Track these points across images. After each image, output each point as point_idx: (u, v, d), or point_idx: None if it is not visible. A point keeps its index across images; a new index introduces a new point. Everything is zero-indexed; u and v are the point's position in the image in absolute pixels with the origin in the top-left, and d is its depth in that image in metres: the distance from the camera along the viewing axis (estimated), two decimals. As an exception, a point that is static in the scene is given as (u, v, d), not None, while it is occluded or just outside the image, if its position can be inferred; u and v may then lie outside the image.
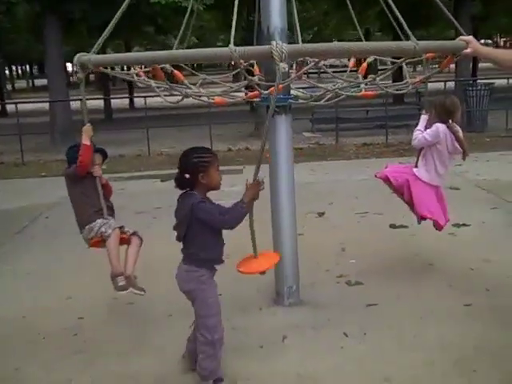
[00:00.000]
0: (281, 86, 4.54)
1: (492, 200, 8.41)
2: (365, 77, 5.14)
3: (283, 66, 3.42)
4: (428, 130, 5.27)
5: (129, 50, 28.18)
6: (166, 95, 4.94)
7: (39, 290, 5.75)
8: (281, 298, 5.15)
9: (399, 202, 5.67)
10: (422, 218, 5.48)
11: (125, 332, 4.79)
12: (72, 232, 7.15)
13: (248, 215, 3.86)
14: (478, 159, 11.66)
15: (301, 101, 5.29)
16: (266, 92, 4.70)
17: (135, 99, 28.82)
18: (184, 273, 3.81)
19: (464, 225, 7.14)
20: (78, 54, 4.21)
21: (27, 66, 73.05)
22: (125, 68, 6.97)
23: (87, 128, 4.54)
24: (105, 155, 4.93)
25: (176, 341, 4.49)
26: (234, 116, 18.96)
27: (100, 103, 25.00)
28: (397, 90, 5.61)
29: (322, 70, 4.89)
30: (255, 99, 5.38)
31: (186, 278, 3.80)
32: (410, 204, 5.48)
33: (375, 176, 5.63)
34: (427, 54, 4.52)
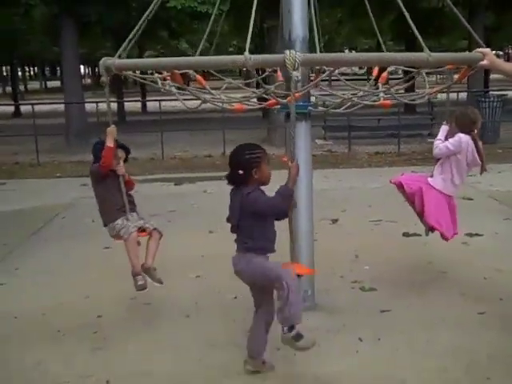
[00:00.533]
0: (297, 94, 4.66)
1: (505, 211, 8.47)
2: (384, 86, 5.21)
3: (296, 74, 3.50)
4: (450, 140, 5.29)
5: (142, 54, 28.39)
6: (184, 99, 5.05)
7: (58, 289, 5.85)
8: (296, 302, 5.21)
9: (412, 210, 5.73)
10: (430, 229, 5.49)
11: (143, 331, 4.87)
12: (88, 232, 7.33)
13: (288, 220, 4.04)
14: (491, 170, 11.65)
15: (320, 108, 5.37)
16: (284, 101, 4.79)
17: (147, 103, 29.03)
18: (245, 265, 3.91)
19: (477, 234, 7.20)
20: (103, 58, 4.32)
21: (38, 68, 73.47)
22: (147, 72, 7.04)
23: (111, 129, 4.67)
24: (127, 151, 5.06)
25: (193, 341, 4.62)
26: (246, 121, 19.05)
27: (113, 106, 25.13)
28: (412, 100, 5.69)
29: (334, 78, 4.96)
30: (274, 107, 5.46)
31: (243, 262, 3.92)
32: (421, 213, 5.47)
33: (390, 181, 5.67)
34: (448, 66, 4.58)
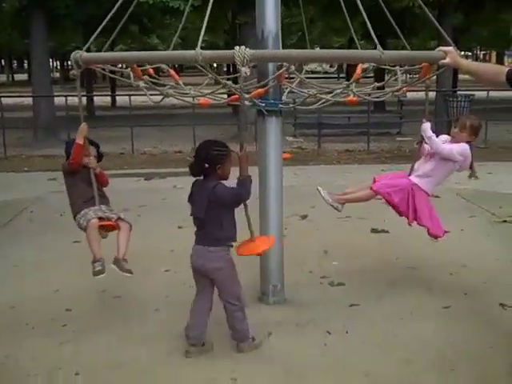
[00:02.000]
0: (261, 90, 4.70)
1: (471, 209, 8.62)
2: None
3: (245, 70, 3.58)
4: (458, 147, 5.15)
5: (112, 49, 28.19)
6: (153, 94, 5.11)
7: (27, 282, 5.81)
8: (265, 297, 5.28)
9: (381, 207, 5.79)
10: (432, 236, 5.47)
11: (112, 324, 4.87)
12: (57, 225, 7.29)
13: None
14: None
15: (290, 105, 5.42)
16: (247, 96, 4.83)
17: (117, 98, 28.85)
18: (208, 253, 4.11)
19: (444, 231, 7.30)
20: (74, 52, 4.32)
21: (5, 60, 72.42)
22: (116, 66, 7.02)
23: (83, 127, 4.68)
24: (97, 146, 5.07)
25: (164, 332, 4.65)
26: (216, 118, 19.05)
27: (83, 100, 24.87)
28: (377, 98, 5.74)
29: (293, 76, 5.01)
30: (236, 102, 5.48)
31: (211, 258, 4.12)
32: (413, 218, 5.33)
33: (371, 189, 5.41)
34: (422, 64, 4.62)
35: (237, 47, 3.63)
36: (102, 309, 5.26)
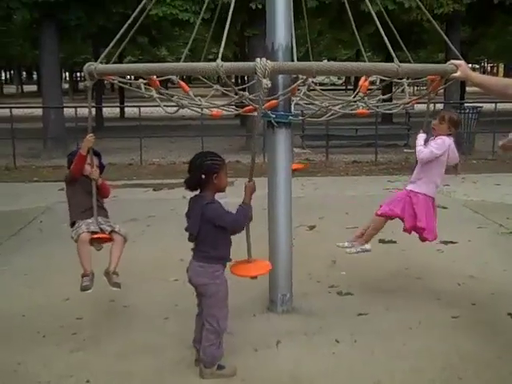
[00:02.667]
0: (273, 101, 4.75)
1: (478, 220, 8.64)
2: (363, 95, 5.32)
3: (266, 82, 3.62)
4: (434, 144, 5.31)
5: (121, 61, 28.37)
6: (164, 105, 5.17)
7: (37, 291, 5.86)
8: (274, 306, 5.31)
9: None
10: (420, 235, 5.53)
11: (122, 333, 4.91)
12: (66, 235, 7.27)
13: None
14: (466, 180, 11.94)
15: (300, 118, 5.47)
16: (263, 107, 4.88)
17: (125, 109, 29.00)
18: (198, 268, 4.07)
19: (451, 242, 7.35)
20: (87, 64, 4.38)
21: (15, 72, 72.82)
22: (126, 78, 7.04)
23: (88, 139, 4.74)
24: (99, 157, 5.13)
25: (173, 341, 4.67)
26: (225, 129, 19.14)
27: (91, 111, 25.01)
28: (388, 110, 5.79)
29: (311, 88, 5.06)
30: (250, 113, 5.55)
31: (199, 272, 4.06)
32: (413, 224, 5.43)
33: (376, 215, 5.60)
34: (428, 77, 4.68)
35: (258, 59, 3.67)
36: (112, 318, 5.30)
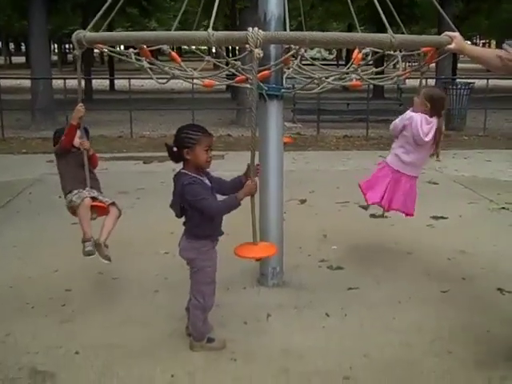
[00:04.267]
0: (266, 72, 4.68)
1: (469, 195, 8.64)
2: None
3: (258, 51, 3.55)
4: (399, 118, 5.39)
5: (110, 31, 28.06)
6: (157, 77, 5.09)
7: (26, 262, 5.82)
8: (264, 279, 5.30)
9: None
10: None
11: (111, 305, 4.89)
12: (55, 208, 7.27)
13: (250, 200, 3.95)
14: (457, 156, 11.97)
15: (292, 90, 5.41)
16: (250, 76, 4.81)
17: (115, 82, 28.77)
18: (186, 242, 4.02)
19: (442, 217, 7.35)
20: (76, 32, 4.30)
21: (2, 43, 71.91)
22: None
23: (78, 109, 4.69)
24: (86, 131, 5.06)
25: (163, 314, 4.66)
26: (216, 102, 19.03)
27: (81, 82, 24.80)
28: (381, 82, 5.73)
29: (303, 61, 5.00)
30: (241, 84, 5.47)
31: (187, 247, 4.02)
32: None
33: (359, 186, 5.77)
34: (423, 48, 4.62)
35: (250, 28, 3.60)
36: (101, 290, 5.27)
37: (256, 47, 3.48)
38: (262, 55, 3.52)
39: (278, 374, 3.86)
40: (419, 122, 5.21)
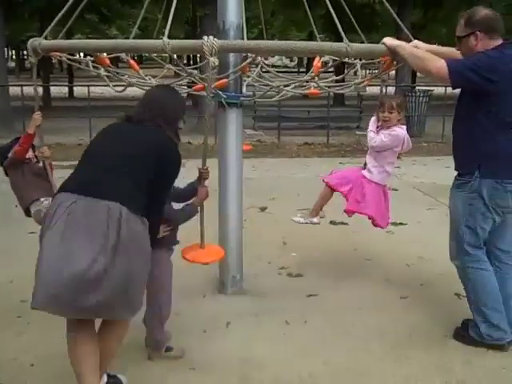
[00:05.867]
0: (223, 80, 4.68)
1: (428, 201, 8.75)
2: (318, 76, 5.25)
3: (213, 60, 3.56)
4: (388, 136, 5.11)
5: (69, 38, 27.77)
6: (114, 85, 5.06)
7: (-20, 273, 5.69)
8: (224, 287, 5.27)
9: (340, 200, 5.79)
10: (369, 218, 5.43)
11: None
12: (12, 217, 7.14)
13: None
14: (416, 163, 12.12)
15: (251, 98, 5.41)
16: (213, 86, 4.81)
17: (74, 89, 28.46)
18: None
19: (401, 224, 7.42)
20: (31, 39, 4.25)
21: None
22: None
23: (35, 117, 4.63)
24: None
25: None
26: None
27: (39, 90, 24.50)
28: (339, 90, 5.76)
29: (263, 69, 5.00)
30: (200, 92, 5.46)
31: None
32: (356, 207, 5.35)
33: (322, 180, 5.55)
34: (381, 58, 4.64)
35: (205, 37, 3.60)
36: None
37: (211, 56, 3.48)
38: (217, 64, 3.52)
39: (237, 383, 3.83)
40: (407, 135, 5.24)
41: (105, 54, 4.94)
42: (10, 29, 25.04)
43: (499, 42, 4.02)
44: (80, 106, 20.04)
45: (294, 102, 18.98)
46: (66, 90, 29.41)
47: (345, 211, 5.47)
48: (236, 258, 5.23)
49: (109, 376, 3.68)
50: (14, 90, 17.54)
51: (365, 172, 5.36)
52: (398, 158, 5.54)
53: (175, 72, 6.42)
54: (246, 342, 4.36)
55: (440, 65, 3.89)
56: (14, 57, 58.38)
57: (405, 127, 5.29)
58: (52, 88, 25.70)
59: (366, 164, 5.41)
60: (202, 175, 3.99)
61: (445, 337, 4.45)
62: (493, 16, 4.06)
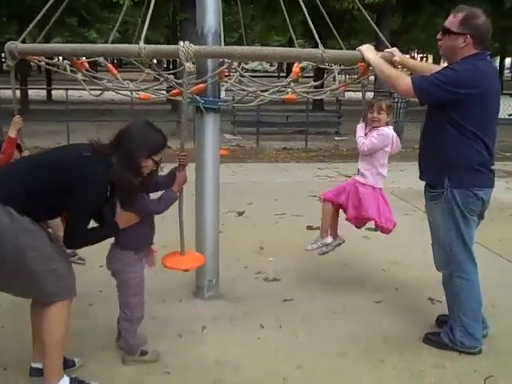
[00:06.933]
0: (202, 85, 4.71)
1: (404, 207, 8.82)
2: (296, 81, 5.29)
3: (189, 65, 3.59)
4: (377, 136, 5.11)
5: (48, 41, 27.58)
6: (92, 89, 5.06)
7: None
8: (200, 291, 5.29)
9: (317, 205, 5.84)
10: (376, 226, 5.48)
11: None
12: None
13: (178, 210, 4.08)
14: (393, 168, 12.13)
15: (229, 103, 5.44)
16: (189, 91, 4.83)
17: (53, 92, 28.28)
18: (111, 253, 3.96)
19: (377, 229, 7.45)
20: (8, 43, 4.24)
21: None
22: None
23: (16, 121, 4.63)
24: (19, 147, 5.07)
25: (97, 327, 4.60)
26: (155, 114, 18.87)
27: (17, 93, 24.31)
28: (315, 96, 5.80)
29: (236, 73, 5.04)
30: (177, 98, 5.47)
31: (111, 258, 3.96)
32: (357, 214, 5.33)
33: (320, 198, 5.50)
34: (359, 64, 4.69)
35: (181, 42, 3.63)
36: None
37: (187, 61, 3.50)
38: (193, 69, 3.54)
39: (211, 386, 3.85)
40: (395, 134, 5.28)
41: (84, 58, 4.95)
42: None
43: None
44: (58, 109, 19.93)
45: (274, 106, 19.02)
46: (44, 93, 29.21)
47: (347, 220, 5.43)
48: (212, 262, 5.25)
49: (80, 382, 3.71)
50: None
51: (358, 177, 5.35)
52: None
53: (154, 77, 6.44)
54: (221, 346, 4.38)
55: (406, 82, 3.98)
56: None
57: (391, 127, 5.31)
58: (30, 91, 25.52)
59: (358, 170, 5.40)
60: (180, 161, 3.99)
61: (418, 340, 4.49)
62: (489, 27, 4.04)
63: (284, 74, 44.26)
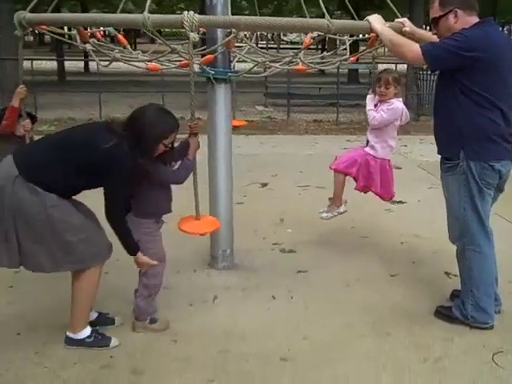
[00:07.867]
0: (210, 56, 4.67)
1: (431, 180, 8.69)
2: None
3: (193, 35, 3.57)
4: (386, 110, 5.09)
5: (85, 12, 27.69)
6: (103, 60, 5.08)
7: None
8: (215, 262, 5.32)
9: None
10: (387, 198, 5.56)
11: (59, 288, 4.83)
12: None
13: (192, 176, 4.15)
14: (424, 141, 12.01)
15: (239, 74, 5.40)
16: (198, 62, 4.82)
17: (90, 64, 28.46)
18: (131, 223, 3.93)
19: (400, 202, 7.39)
20: (17, 12, 4.27)
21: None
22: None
23: (20, 90, 4.66)
24: (34, 119, 5.10)
25: (112, 295, 4.65)
26: (186, 85, 18.86)
27: (53, 64, 24.61)
28: (324, 66, 5.72)
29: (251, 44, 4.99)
30: (185, 68, 5.43)
31: (132, 228, 3.93)
32: (368, 186, 5.40)
33: (330, 168, 5.47)
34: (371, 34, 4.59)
35: (185, 12, 3.61)
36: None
37: (192, 31, 3.48)
38: (197, 39, 3.53)
39: (217, 355, 3.88)
40: (405, 107, 5.22)
41: (95, 28, 4.97)
42: (21, 2, 25.06)
43: (476, 19, 3.95)
44: (93, 80, 20.07)
45: (306, 79, 18.90)
46: (82, 64, 29.45)
47: (356, 189, 5.47)
48: (226, 231, 5.27)
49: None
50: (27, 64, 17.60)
51: (368, 149, 5.34)
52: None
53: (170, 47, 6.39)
54: (230, 316, 4.41)
55: (414, 49, 3.88)
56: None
57: (401, 99, 5.25)
58: (69, 63, 25.75)
59: (368, 142, 5.39)
60: (191, 129, 4.07)
61: (429, 314, 4.45)
62: None
63: (320, 47, 43.72)
